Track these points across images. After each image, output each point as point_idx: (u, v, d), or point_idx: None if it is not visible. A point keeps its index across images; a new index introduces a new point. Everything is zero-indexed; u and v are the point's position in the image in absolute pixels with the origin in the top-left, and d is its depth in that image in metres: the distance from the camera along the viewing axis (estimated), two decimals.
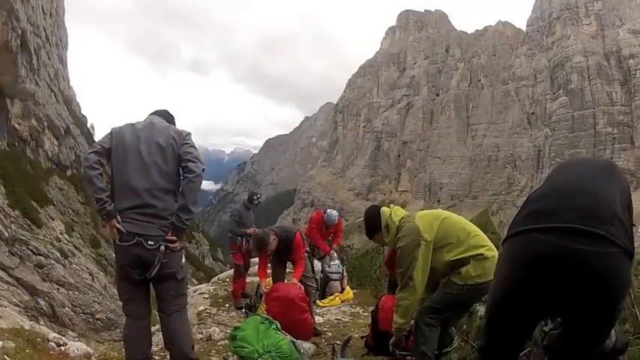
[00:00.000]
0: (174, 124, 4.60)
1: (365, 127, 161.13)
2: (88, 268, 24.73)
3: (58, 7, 57.83)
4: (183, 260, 4.47)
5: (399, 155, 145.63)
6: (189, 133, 4.42)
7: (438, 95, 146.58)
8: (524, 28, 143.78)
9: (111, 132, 4.24)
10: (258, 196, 10.95)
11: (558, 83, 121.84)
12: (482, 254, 4.41)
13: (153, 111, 4.71)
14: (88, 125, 74.82)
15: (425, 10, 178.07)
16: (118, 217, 4.01)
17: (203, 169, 4.20)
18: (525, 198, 2.88)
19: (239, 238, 10.29)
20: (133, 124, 4.31)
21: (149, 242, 3.99)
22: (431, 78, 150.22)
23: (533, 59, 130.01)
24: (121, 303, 4.42)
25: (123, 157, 4.09)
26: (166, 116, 4.63)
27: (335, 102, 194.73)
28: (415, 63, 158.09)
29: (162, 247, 4.03)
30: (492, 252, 4.42)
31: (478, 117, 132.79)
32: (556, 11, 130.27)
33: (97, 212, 4.17)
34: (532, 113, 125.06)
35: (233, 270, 11.02)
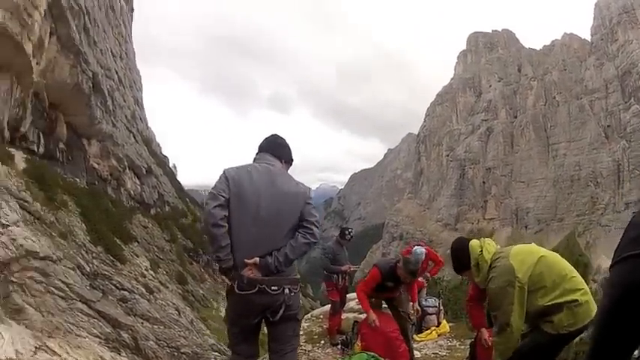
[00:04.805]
0: (288, 154, 4.70)
1: (448, 155, 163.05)
2: (174, 304, 25.08)
3: (127, 50, 60.11)
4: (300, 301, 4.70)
5: (483, 182, 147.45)
6: (309, 189, 4.57)
7: (515, 117, 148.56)
8: (589, 37, 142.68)
9: (226, 177, 4.25)
10: (350, 230, 11.12)
11: (629, 91, 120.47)
12: (576, 300, 4.35)
13: (262, 143, 4.70)
14: (171, 165, 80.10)
15: (492, 31, 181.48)
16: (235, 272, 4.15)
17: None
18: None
19: (334, 275, 10.54)
20: (248, 170, 4.33)
21: (272, 287, 4.11)
22: (507, 100, 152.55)
23: (602, 69, 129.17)
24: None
25: (242, 210, 4.16)
26: (279, 150, 4.65)
27: (416, 132, 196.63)
28: (490, 86, 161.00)
29: (287, 291, 4.19)
30: (586, 296, 4.41)
31: (557, 136, 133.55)
32: (615, 16, 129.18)
33: (216, 264, 4.59)
34: (608, 126, 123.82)
35: (329, 307, 11.18)
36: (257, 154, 4.64)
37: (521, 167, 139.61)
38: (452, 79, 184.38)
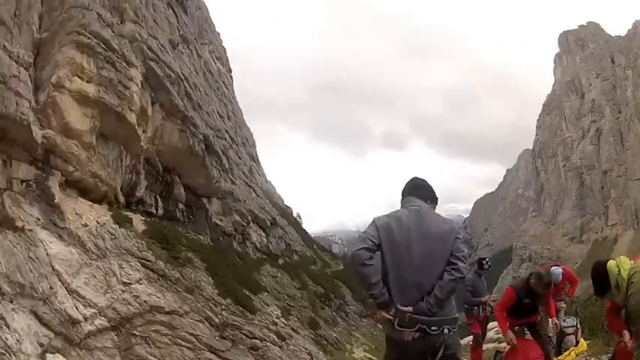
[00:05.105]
0: (432, 194, 4.79)
1: (564, 166, 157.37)
2: (306, 349, 25.55)
3: (234, 110, 60.89)
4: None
5: (602, 187, 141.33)
6: (457, 224, 4.87)
7: (620, 112, 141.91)
8: None
9: (375, 225, 4.35)
10: (487, 260, 11.30)
11: None
12: None
13: (404, 188, 4.82)
14: (295, 215, 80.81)
15: (579, 26, 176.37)
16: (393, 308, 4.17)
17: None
18: None
19: (475, 307, 10.62)
20: (397, 217, 4.42)
21: (432, 328, 4.14)
22: (609, 95, 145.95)
23: None
24: None
25: (395, 254, 4.24)
26: (422, 191, 4.75)
27: (530, 148, 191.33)
28: (590, 85, 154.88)
29: (446, 330, 4.23)
30: None
31: None
32: None
33: (372, 302, 4.21)
34: None
35: (471, 339, 11.49)
36: (402, 199, 4.75)
37: (634, 164, 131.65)
38: (553, 85, 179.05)
